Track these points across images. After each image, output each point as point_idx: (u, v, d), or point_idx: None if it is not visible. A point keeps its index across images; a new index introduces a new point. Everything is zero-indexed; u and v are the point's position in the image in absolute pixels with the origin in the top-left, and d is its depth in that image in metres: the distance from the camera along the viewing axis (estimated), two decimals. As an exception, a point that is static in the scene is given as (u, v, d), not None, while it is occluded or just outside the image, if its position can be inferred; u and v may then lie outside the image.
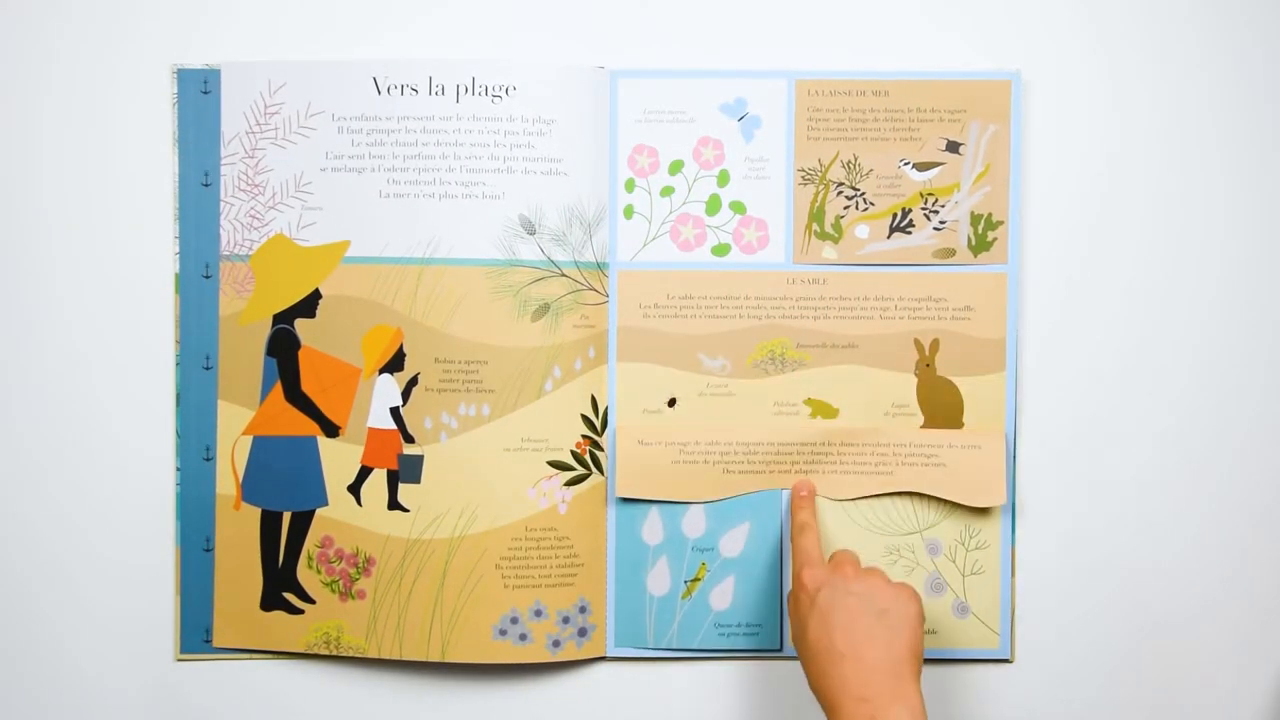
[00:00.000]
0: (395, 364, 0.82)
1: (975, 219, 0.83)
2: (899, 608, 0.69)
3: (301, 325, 0.83)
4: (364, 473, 0.83)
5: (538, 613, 0.82)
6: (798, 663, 0.83)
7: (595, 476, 0.83)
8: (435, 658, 0.82)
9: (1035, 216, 0.83)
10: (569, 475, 0.83)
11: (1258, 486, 0.84)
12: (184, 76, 0.82)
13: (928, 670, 0.84)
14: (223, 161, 0.82)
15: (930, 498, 0.83)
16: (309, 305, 0.83)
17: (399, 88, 0.82)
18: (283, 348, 0.82)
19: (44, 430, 0.83)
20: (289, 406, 0.83)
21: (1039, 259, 0.84)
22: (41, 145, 0.82)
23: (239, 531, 0.83)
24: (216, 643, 0.83)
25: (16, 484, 0.83)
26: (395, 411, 0.82)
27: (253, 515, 0.83)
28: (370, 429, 0.83)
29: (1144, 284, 0.84)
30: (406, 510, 0.82)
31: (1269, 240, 0.84)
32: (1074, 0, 0.83)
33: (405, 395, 0.82)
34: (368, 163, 0.82)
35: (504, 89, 0.81)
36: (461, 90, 0.81)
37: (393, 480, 0.83)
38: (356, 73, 0.82)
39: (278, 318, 0.83)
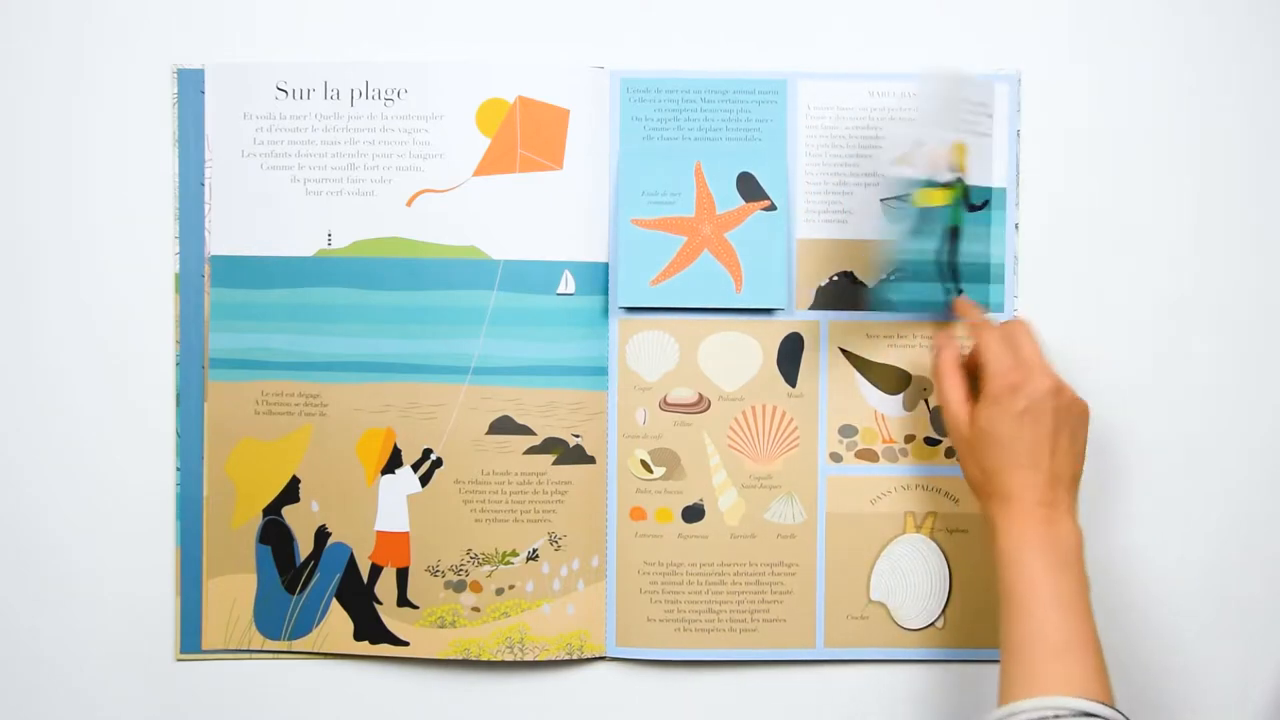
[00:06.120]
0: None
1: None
2: (1083, 428, 0.72)
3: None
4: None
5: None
6: (792, 669, 0.83)
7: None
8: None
9: (1032, 217, 0.84)
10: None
11: (1256, 487, 0.84)
12: (184, 76, 0.82)
13: (928, 669, 0.84)
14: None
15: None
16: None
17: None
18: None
19: (44, 430, 0.83)
20: None
21: (1035, 260, 0.84)
22: (42, 145, 0.82)
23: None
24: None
25: (16, 483, 0.83)
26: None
27: (253, 516, 0.83)
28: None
29: (1144, 284, 0.84)
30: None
31: (1270, 240, 0.84)
32: (1073, 2, 0.84)
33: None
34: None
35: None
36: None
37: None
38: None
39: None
